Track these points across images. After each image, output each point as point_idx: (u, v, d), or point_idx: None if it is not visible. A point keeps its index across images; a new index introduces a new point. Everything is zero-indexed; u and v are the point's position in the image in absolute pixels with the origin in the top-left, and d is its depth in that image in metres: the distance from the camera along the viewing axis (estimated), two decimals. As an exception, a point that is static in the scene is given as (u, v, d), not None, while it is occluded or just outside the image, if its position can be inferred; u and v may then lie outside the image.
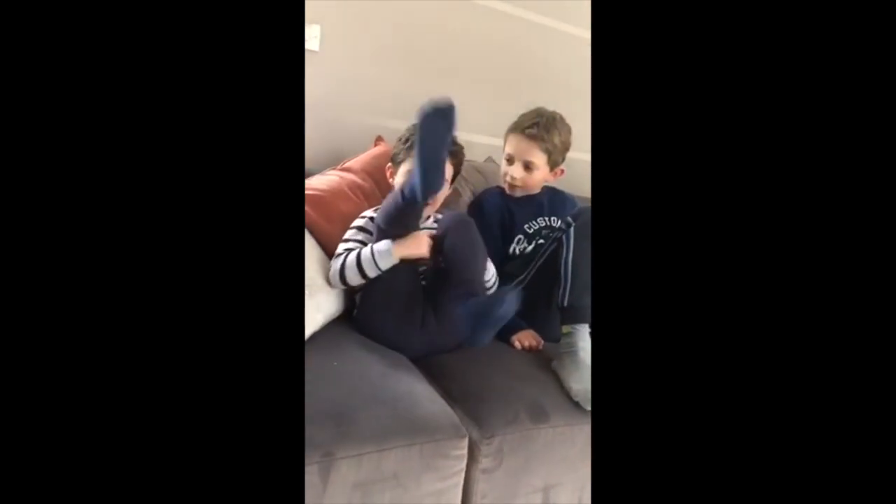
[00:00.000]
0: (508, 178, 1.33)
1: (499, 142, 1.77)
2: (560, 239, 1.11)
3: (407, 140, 1.13)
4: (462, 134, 1.72)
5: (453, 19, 1.62)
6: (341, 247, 1.07)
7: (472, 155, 1.61)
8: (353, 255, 1.01)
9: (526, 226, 1.34)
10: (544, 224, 1.36)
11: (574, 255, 1.07)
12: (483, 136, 1.73)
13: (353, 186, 1.27)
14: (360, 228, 1.11)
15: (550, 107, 1.33)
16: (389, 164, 1.20)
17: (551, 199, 1.40)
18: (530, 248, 1.32)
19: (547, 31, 1.79)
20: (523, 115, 1.31)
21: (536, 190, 1.38)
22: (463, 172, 1.46)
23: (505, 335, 1.11)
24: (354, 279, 1.01)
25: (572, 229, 1.09)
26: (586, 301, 1.05)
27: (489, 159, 1.63)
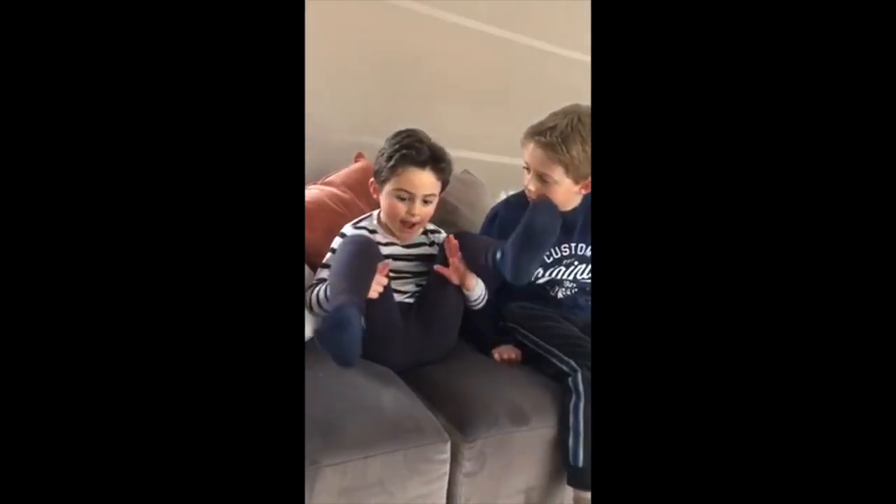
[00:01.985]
0: (527, 191, 1.14)
1: (476, 155, 1.81)
2: (568, 378, 0.96)
3: (391, 157, 1.06)
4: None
5: (431, 39, 1.67)
6: (320, 272, 1.08)
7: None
8: (315, 294, 1.02)
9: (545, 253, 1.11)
10: (568, 252, 1.15)
11: (589, 408, 0.91)
12: (462, 151, 1.77)
13: (334, 198, 1.30)
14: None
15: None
16: (372, 179, 1.14)
17: (586, 222, 1.14)
18: (544, 278, 1.15)
19: (525, 50, 1.85)
20: (549, 116, 1.08)
21: (568, 206, 1.13)
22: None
23: (485, 348, 1.12)
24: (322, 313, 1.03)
25: (583, 376, 0.94)
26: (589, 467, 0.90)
27: (465, 171, 1.67)
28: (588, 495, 0.90)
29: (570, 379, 0.95)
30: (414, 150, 1.04)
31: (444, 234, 1.18)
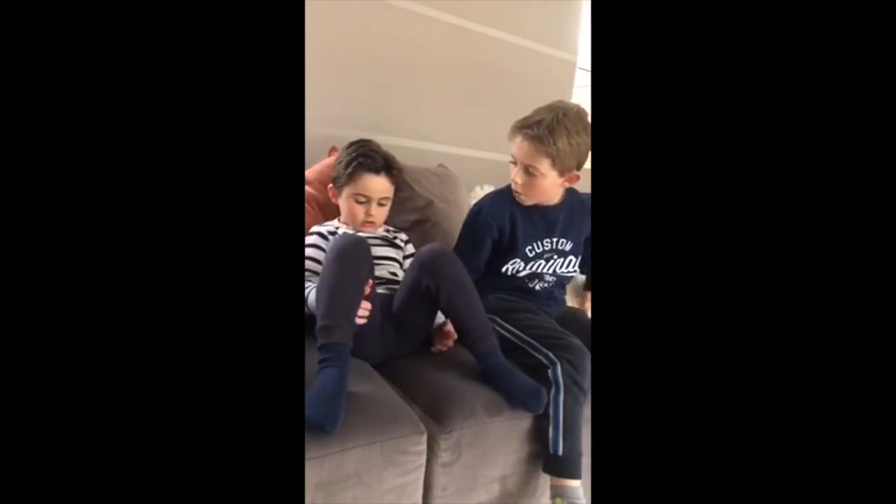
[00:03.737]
0: (513, 184, 1.15)
1: (450, 149, 1.81)
2: (547, 370, 0.99)
3: (348, 164, 1.17)
4: (415, 142, 1.77)
5: (406, 32, 1.67)
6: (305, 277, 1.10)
7: (424, 161, 1.65)
8: (310, 295, 1.03)
9: (528, 248, 1.16)
10: (549, 247, 1.18)
11: (569, 399, 0.95)
12: (435, 144, 1.78)
13: (310, 198, 1.30)
14: (314, 246, 1.15)
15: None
16: (331, 185, 1.24)
17: (569, 217, 1.19)
18: (524, 272, 1.18)
19: (500, 45, 1.86)
20: (535, 111, 1.11)
21: (553, 200, 1.17)
22: (417, 175, 1.51)
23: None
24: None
25: (562, 369, 0.97)
26: (578, 450, 0.94)
27: (440, 165, 1.68)
28: (567, 482, 0.93)
29: (549, 371, 0.98)
30: (369, 157, 1.16)
31: (404, 236, 1.29)
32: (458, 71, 1.79)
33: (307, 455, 0.74)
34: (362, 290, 0.96)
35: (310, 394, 0.79)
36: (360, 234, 1.17)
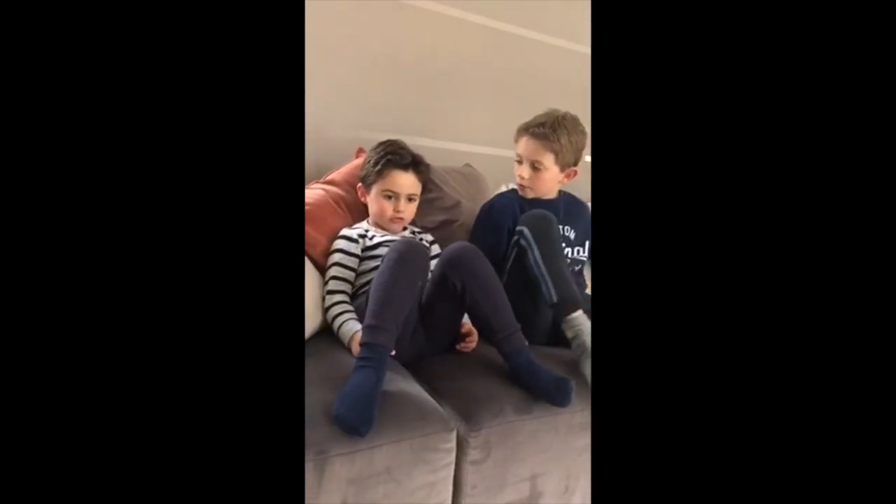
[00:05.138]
0: (518, 179, 1.34)
1: (477, 149, 1.82)
2: (520, 246, 1.14)
3: (377, 162, 1.22)
4: (442, 142, 1.78)
5: (432, 33, 1.67)
6: (331, 283, 1.14)
7: (451, 161, 1.66)
8: (338, 322, 1.07)
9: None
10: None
11: (541, 253, 1.11)
12: (462, 144, 1.78)
13: (338, 199, 1.32)
14: (341, 251, 1.17)
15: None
16: (360, 184, 1.28)
17: (567, 208, 1.37)
18: None
19: (526, 43, 1.85)
20: (535, 116, 1.31)
21: (551, 194, 1.37)
22: (445, 175, 1.52)
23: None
24: None
25: (527, 232, 1.13)
26: (571, 288, 1.08)
27: (467, 165, 1.69)
28: (570, 316, 1.06)
29: (519, 238, 1.14)
30: (397, 154, 1.22)
31: (430, 237, 1.32)
32: (483, 70, 1.79)
33: (338, 450, 0.75)
34: (414, 298, 0.97)
35: (344, 390, 0.81)
36: (387, 236, 1.19)
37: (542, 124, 1.27)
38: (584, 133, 1.31)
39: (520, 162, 1.33)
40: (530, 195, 1.34)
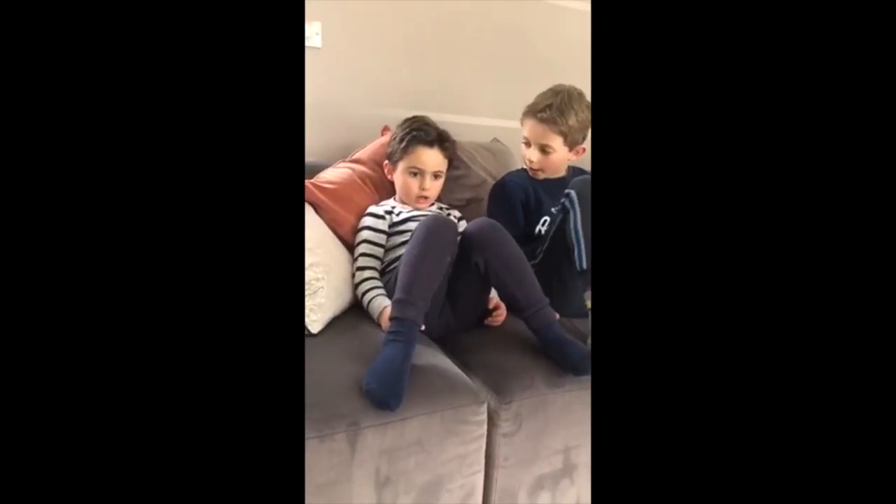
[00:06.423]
0: (527, 162, 1.32)
1: (504, 123, 1.80)
2: (564, 208, 1.11)
3: (402, 139, 1.21)
4: (468, 118, 1.75)
5: (452, 6, 1.64)
6: (360, 260, 1.15)
7: (478, 136, 1.64)
8: (367, 297, 1.08)
9: (554, 209, 1.28)
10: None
11: (582, 218, 1.08)
12: (488, 119, 1.76)
13: (364, 177, 1.32)
14: (368, 227, 1.18)
15: (556, 83, 1.29)
16: (386, 161, 1.28)
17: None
18: (545, 227, 1.29)
19: (549, 9, 1.80)
20: (539, 96, 1.28)
21: (561, 172, 1.35)
22: (472, 152, 1.50)
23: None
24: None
25: (574, 195, 1.09)
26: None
27: (495, 140, 1.66)
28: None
29: (567, 202, 1.11)
30: (423, 131, 1.21)
31: (458, 213, 1.31)
32: (509, 42, 1.75)
33: (369, 422, 0.76)
34: (443, 273, 0.96)
35: (374, 364, 0.81)
36: (413, 213, 1.19)
37: (549, 106, 1.24)
38: (590, 108, 1.26)
39: (527, 144, 1.31)
40: (541, 176, 1.33)
